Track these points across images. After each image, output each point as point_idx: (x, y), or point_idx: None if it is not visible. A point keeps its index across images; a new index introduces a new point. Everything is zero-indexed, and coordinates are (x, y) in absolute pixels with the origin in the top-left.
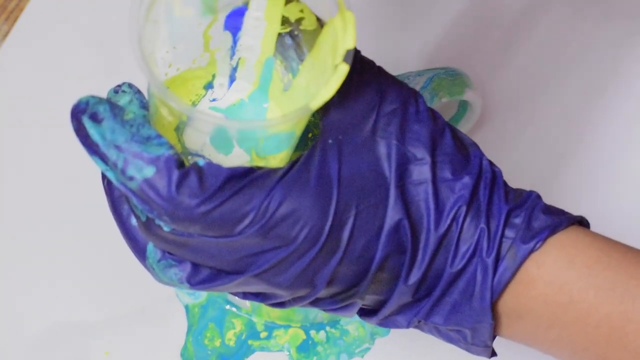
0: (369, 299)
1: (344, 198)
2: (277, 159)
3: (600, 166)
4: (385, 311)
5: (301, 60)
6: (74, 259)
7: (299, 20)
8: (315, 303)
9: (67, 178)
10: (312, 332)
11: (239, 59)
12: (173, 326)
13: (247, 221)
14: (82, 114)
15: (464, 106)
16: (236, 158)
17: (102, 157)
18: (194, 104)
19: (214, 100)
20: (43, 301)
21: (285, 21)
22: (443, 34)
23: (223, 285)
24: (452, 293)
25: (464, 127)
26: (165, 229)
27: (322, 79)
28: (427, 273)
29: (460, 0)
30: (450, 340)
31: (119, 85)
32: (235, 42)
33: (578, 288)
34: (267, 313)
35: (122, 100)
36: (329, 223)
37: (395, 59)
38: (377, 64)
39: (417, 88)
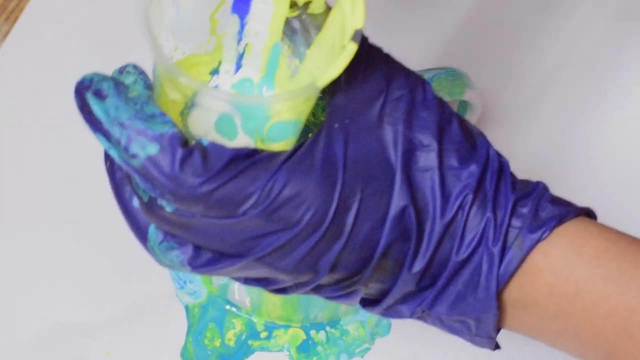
0: (372, 287)
1: (349, 182)
2: (281, 147)
3: (602, 167)
4: (389, 300)
5: (309, 44)
6: (74, 259)
7: (306, 4)
8: (318, 290)
9: (67, 178)
10: (312, 332)
11: (246, 44)
12: (173, 326)
13: (250, 202)
14: (86, 91)
15: (464, 106)
16: (241, 144)
17: (106, 134)
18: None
19: (216, 87)
20: (43, 301)
21: (293, 4)
22: (443, 34)
23: (225, 268)
24: (457, 282)
25: None
26: (168, 209)
27: (329, 62)
28: (431, 261)
29: (460, 0)
30: (454, 331)
31: (123, 66)
32: (242, 26)
33: (585, 278)
34: (267, 313)
35: (127, 80)
36: (333, 207)
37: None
38: None
39: None
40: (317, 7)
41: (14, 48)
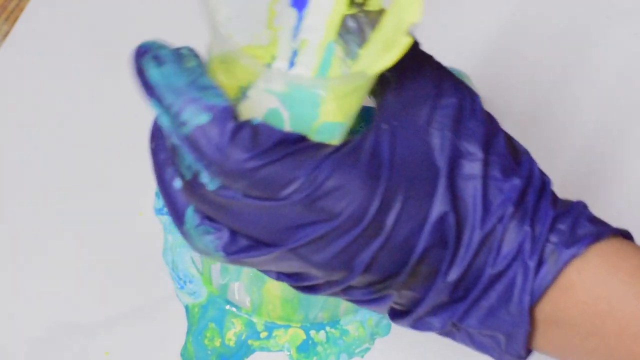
0: (405, 295)
1: (393, 182)
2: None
3: (605, 169)
4: (420, 310)
5: (362, 44)
6: (74, 259)
7: (364, 1)
8: (349, 291)
9: (67, 178)
10: (312, 332)
11: (301, 41)
12: (173, 326)
13: (293, 186)
14: (144, 55)
15: None
16: None
17: (159, 99)
18: (244, 87)
19: (267, 82)
20: (43, 301)
21: (351, 1)
22: (444, 34)
23: (258, 257)
24: (490, 295)
25: None
26: (210, 187)
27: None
28: (467, 271)
29: (461, 0)
30: (482, 348)
31: (178, 48)
32: (299, 20)
33: (618, 297)
34: (267, 313)
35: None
36: (375, 205)
37: None
38: None
39: None
40: (374, 4)
41: (14, 48)
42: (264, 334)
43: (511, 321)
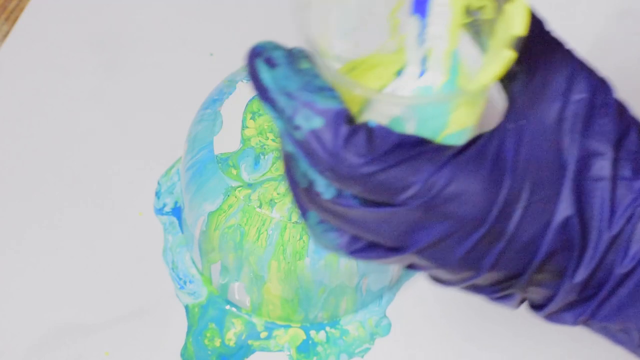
0: (534, 292)
1: (516, 187)
2: None
3: None
4: (552, 307)
5: (482, 51)
6: (74, 259)
7: (480, 8)
8: (476, 288)
9: (67, 178)
10: (312, 332)
11: (428, 48)
12: (173, 326)
13: (411, 192)
14: (257, 57)
15: None
16: None
17: (272, 103)
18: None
19: (395, 90)
20: (43, 301)
21: (467, 10)
22: None
23: (381, 259)
24: (620, 293)
25: None
26: (326, 196)
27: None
28: (595, 272)
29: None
30: (617, 341)
31: (291, 49)
32: (423, 27)
33: None
34: (267, 313)
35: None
36: (495, 211)
37: None
38: None
39: None
40: (489, 12)
41: (14, 48)
42: (264, 334)
43: None
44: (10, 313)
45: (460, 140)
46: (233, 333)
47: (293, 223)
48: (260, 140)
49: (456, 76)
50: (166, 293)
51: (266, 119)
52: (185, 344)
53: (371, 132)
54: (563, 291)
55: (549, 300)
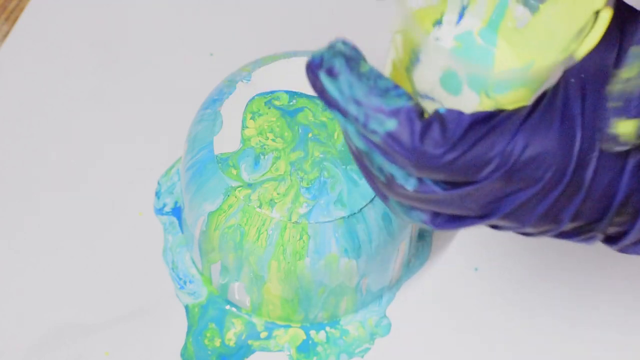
0: (611, 230)
1: (587, 138)
2: (507, 99)
3: None
4: (626, 241)
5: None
6: (74, 259)
7: None
8: (559, 235)
9: (67, 178)
10: (312, 332)
11: None
12: (173, 326)
13: (491, 167)
14: (318, 69)
15: None
16: (465, 99)
17: (342, 112)
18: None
19: (437, 39)
20: (43, 301)
21: None
22: None
23: (467, 227)
24: None
25: None
26: (408, 188)
27: (569, 21)
28: None
29: None
30: None
31: (332, 43)
32: None
33: None
34: (267, 313)
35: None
36: (572, 165)
37: None
38: (377, 63)
39: None
40: None
41: (14, 48)
42: (264, 334)
43: None
44: (10, 313)
45: (514, 84)
46: (233, 333)
47: (293, 223)
48: (260, 140)
49: (500, 20)
50: (166, 293)
51: (266, 119)
52: (185, 344)
53: (443, 120)
54: (637, 228)
55: (623, 235)
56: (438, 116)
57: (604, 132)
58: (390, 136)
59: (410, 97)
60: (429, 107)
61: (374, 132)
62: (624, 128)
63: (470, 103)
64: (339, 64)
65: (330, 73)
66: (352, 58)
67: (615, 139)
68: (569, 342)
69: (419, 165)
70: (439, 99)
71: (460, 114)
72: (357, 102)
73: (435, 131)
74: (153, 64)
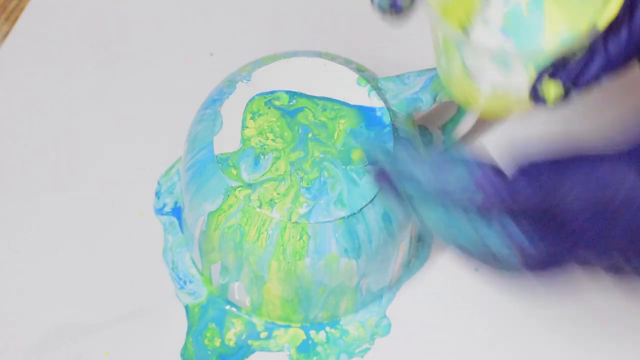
0: None
1: None
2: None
3: None
4: None
5: None
6: (74, 260)
7: None
8: None
9: (67, 178)
10: (312, 332)
11: None
12: (173, 326)
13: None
14: (393, 180)
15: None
16: (515, 74)
17: (432, 205)
18: (464, 27)
19: (485, 22)
20: (43, 301)
21: None
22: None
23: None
24: None
25: (463, 128)
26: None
27: None
28: None
29: None
30: None
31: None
32: None
33: None
34: (267, 313)
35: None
36: None
37: (396, 58)
38: (377, 63)
39: (417, 88)
40: None
41: (14, 48)
42: (264, 334)
43: None
44: (10, 313)
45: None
46: (233, 333)
47: (293, 223)
48: (260, 140)
49: None
50: (166, 293)
51: (266, 119)
52: (185, 344)
53: (519, 164)
54: None
55: None
56: (516, 167)
57: None
58: (485, 202)
59: (474, 157)
60: (478, 78)
61: (468, 209)
62: None
63: (521, 78)
64: (403, 161)
65: (403, 176)
66: (409, 142)
67: None
68: (569, 342)
69: (513, 208)
70: (490, 73)
71: (530, 158)
72: (442, 193)
73: (521, 182)
74: (153, 64)
